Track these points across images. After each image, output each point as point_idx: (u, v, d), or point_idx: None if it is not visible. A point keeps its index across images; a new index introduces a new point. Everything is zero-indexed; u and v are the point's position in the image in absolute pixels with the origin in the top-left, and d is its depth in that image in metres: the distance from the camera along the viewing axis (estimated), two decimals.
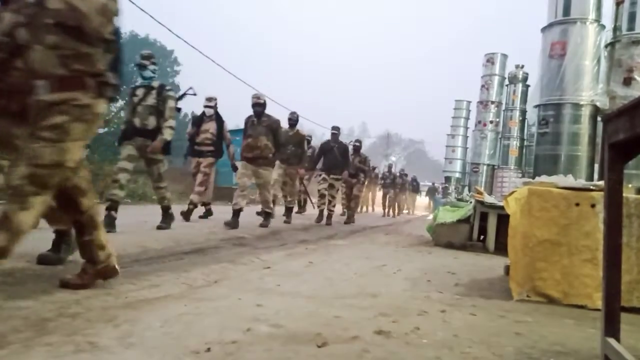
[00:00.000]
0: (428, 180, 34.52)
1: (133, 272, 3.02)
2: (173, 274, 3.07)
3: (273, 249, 4.90)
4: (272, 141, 6.87)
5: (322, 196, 9.23)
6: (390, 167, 19.28)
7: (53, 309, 2.05)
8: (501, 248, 5.29)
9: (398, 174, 19.63)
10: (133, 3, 10.59)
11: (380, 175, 19.06)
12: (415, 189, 24.83)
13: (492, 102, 18.19)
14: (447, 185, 22.67)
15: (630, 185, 3.13)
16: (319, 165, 9.91)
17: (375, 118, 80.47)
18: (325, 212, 9.25)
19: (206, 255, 4.07)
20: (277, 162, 7.95)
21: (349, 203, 11.00)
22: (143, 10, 10.87)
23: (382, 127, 77.30)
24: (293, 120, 8.98)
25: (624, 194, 1.62)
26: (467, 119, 23.31)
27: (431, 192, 29.83)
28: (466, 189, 18.34)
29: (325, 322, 2.14)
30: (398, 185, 18.19)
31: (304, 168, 9.05)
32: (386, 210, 17.48)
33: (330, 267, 3.96)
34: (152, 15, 11.63)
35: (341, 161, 9.38)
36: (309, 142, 11.12)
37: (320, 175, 9.51)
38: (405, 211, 22.63)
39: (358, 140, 11.74)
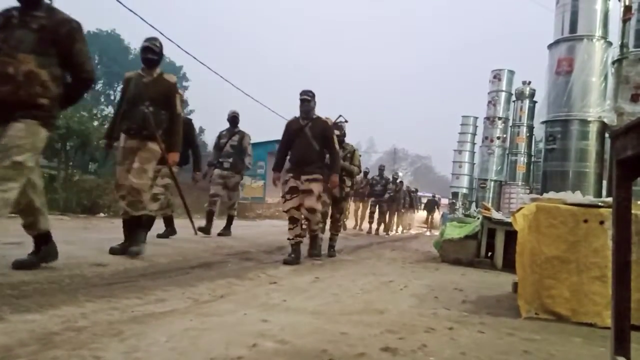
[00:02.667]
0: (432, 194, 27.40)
1: (139, 287, 3.02)
2: (179, 289, 3.06)
3: (279, 264, 4.89)
4: (52, 66, 3.02)
5: (292, 221, 5.18)
6: (381, 169, 14.32)
7: (59, 322, 2.05)
8: (509, 265, 5.24)
9: (391, 179, 14.59)
10: (144, 20, 10.78)
11: (370, 181, 14.14)
12: (411, 203, 19.00)
13: (499, 118, 18.24)
14: (454, 201, 22.58)
15: (639, 202, 3.11)
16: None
17: (383, 133, 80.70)
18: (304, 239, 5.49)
19: (212, 270, 4.07)
20: (122, 136, 4.34)
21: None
22: (152, 27, 11.03)
23: (389, 143, 77.53)
24: (153, 52, 4.43)
25: (633, 211, 1.61)
26: (474, 134, 23.35)
27: (430, 205, 24.12)
28: (473, 204, 18.27)
29: (331, 339, 2.13)
30: (391, 193, 13.91)
31: (176, 149, 4.52)
32: (372, 224, 13.45)
33: (337, 282, 3.94)
34: (162, 32, 11.79)
35: (318, 152, 5.25)
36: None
37: (285, 180, 5.35)
38: (397, 229, 17.56)
39: (338, 126, 6.95)
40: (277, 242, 6.87)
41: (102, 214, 9.72)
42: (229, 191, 7.27)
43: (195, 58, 14.30)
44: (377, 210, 13.52)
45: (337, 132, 6.11)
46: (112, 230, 5.50)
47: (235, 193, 7.42)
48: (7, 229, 5.58)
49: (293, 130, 5.32)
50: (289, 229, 5.20)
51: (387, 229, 14.72)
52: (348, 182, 6.60)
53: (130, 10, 10.44)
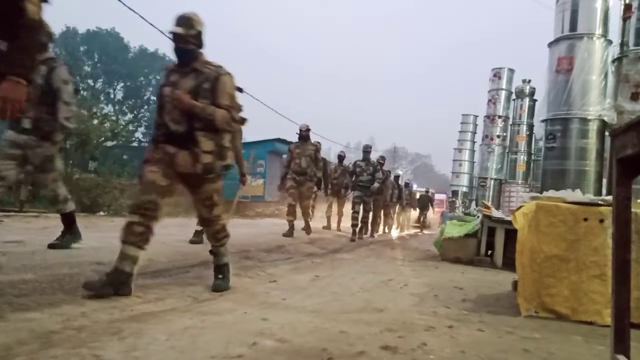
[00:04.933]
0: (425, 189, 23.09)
1: (139, 285, 3.01)
2: (179, 287, 3.06)
3: (279, 262, 4.89)
4: None
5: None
6: (367, 151, 9.97)
7: (59, 321, 2.05)
8: (509, 263, 5.24)
9: (377, 163, 9.93)
10: (143, 18, 10.76)
11: (351, 168, 9.91)
12: (399, 195, 14.87)
13: (499, 117, 18.27)
14: (454, 199, 22.58)
15: (639, 201, 3.11)
16: None
17: (383, 132, 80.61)
18: None
19: (212, 269, 4.06)
20: None
21: None
22: (152, 25, 11.01)
23: (389, 141, 77.48)
24: None
25: (633, 209, 1.61)
26: (474, 133, 23.39)
27: (423, 202, 20.41)
28: (473, 203, 18.29)
29: (330, 337, 2.13)
30: (379, 182, 9.71)
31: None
32: (355, 227, 9.08)
33: (336, 281, 3.94)
34: (161, 30, 11.77)
35: None
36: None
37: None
38: (385, 229, 13.96)
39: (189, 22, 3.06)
40: (276, 241, 6.87)
41: (102, 213, 9.72)
42: (37, 172, 4.00)
43: None
44: (361, 208, 9.29)
45: (179, 30, 3.04)
46: (112, 229, 5.50)
47: (48, 175, 4.01)
48: (11, 228, 5.59)
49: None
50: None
51: (372, 230, 11.27)
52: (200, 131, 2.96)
53: (130, 9, 10.41)
